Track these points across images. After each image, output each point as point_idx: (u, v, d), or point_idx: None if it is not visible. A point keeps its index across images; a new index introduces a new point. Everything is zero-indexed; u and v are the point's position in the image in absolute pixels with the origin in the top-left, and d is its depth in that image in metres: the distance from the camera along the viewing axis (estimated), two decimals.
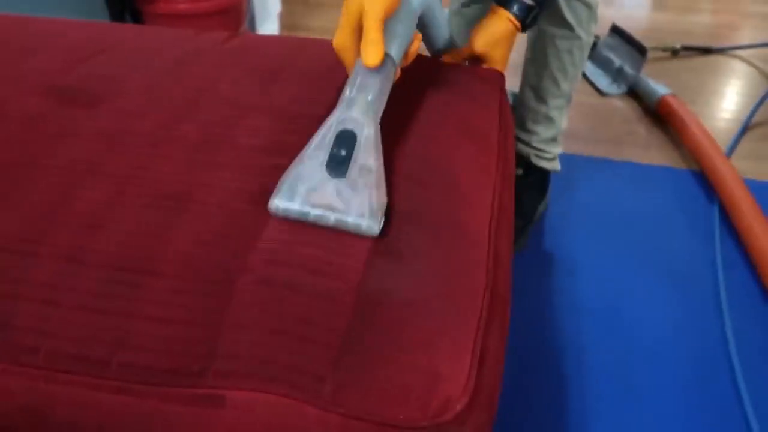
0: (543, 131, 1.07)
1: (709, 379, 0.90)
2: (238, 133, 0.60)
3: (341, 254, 0.47)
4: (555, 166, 1.13)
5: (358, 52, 0.54)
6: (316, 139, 0.50)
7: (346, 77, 0.54)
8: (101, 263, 0.47)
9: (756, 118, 1.46)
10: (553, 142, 1.09)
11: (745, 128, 1.42)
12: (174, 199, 0.53)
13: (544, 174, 1.14)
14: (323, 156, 0.49)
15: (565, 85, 1.01)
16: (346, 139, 0.50)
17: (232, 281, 0.45)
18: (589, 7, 0.95)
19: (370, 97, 0.52)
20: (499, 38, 0.76)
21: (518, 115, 1.08)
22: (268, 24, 1.73)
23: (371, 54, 0.52)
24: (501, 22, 0.76)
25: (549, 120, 1.05)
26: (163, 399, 0.41)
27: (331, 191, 0.49)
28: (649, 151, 1.37)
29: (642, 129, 1.45)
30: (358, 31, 0.54)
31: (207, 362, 0.41)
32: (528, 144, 1.09)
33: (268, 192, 0.50)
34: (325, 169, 0.49)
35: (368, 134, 0.50)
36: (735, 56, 1.75)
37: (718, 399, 0.87)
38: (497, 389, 0.46)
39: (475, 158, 0.59)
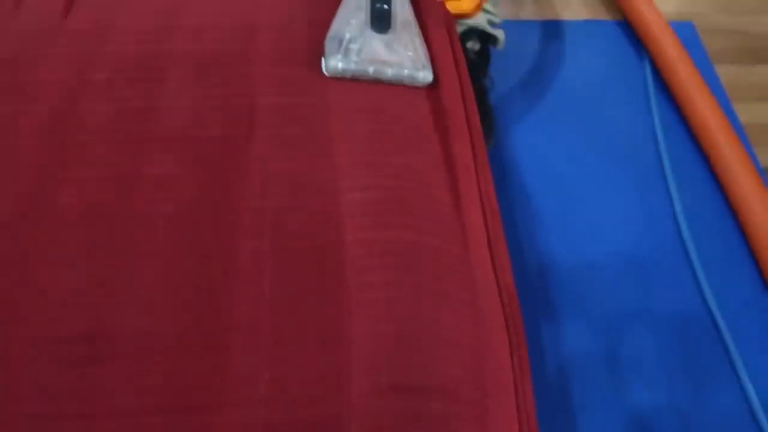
0: None
1: (661, 253, 0.93)
2: None
3: None
4: (501, 35, 0.96)
5: None
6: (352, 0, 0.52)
7: None
8: None
9: None
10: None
11: None
12: None
13: (488, 45, 0.99)
14: (364, 15, 0.52)
15: None
16: None
17: None
18: None
19: None
20: None
21: None
22: None
23: None
24: None
25: None
26: None
27: (381, 47, 0.51)
28: (571, 4, 1.26)
29: None
30: None
31: None
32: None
33: None
34: (369, 27, 0.52)
35: None
36: None
37: (672, 277, 0.90)
38: None
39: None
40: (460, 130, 0.54)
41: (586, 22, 1.22)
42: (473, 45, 0.96)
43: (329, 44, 0.53)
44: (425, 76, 0.52)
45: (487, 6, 0.95)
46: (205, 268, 0.45)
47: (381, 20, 0.51)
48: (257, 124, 0.53)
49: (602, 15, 1.24)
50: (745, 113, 1.07)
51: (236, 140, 0.52)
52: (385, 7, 0.50)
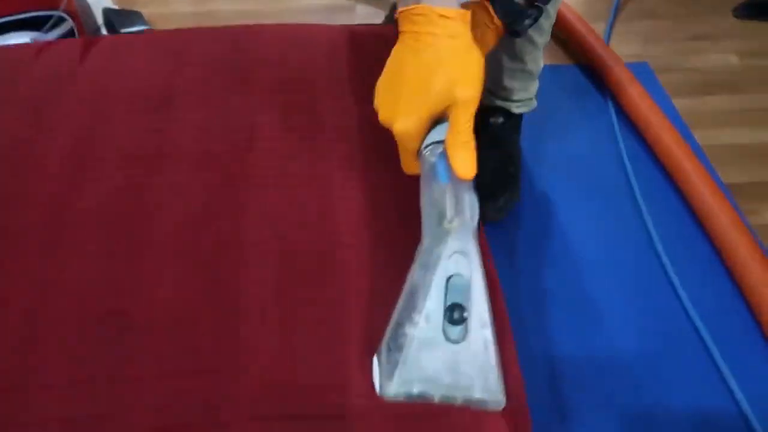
0: (521, 85, 1.02)
1: (645, 279, 0.96)
2: None
3: None
4: (533, 104, 1.08)
5: (422, 140, 0.46)
6: (422, 289, 0.40)
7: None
8: None
9: None
10: (532, 86, 1.04)
11: (617, 9, 1.45)
12: None
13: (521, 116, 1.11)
14: (435, 315, 0.39)
15: (540, 40, 0.95)
16: (459, 289, 0.40)
17: None
18: None
19: (469, 217, 0.42)
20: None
21: (492, 74, 0.99)
22: None
23: (469, 163, 0.41)
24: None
25: (527, 73, 1.00)
26: None
27: (449, 362, 0.40)
28: None
29: None
30: (433, 118, 0.44)
31: None
32: (506, 99, 1.04)
33: None
34: (441, 334, 0.39)
35: (477, 274, 0.40)
36: None
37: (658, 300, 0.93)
38: None
39: None
40: None
41: (550, 66, 1.33)
42: (496, 120, 1.07)
43: (384, 360, 0.41)
44: (497, 402, 0.40)
45: (515, 95, 1.03)
46: (217, 258, 0.49)
47: (454, 325, 0.40)
48: (256, 137, 0.59)
49: (563, 60, 1.35)
50: (704, 138, 1.16)
51: (238, 152, 0.58)
52: (463, 315, 0.39)
